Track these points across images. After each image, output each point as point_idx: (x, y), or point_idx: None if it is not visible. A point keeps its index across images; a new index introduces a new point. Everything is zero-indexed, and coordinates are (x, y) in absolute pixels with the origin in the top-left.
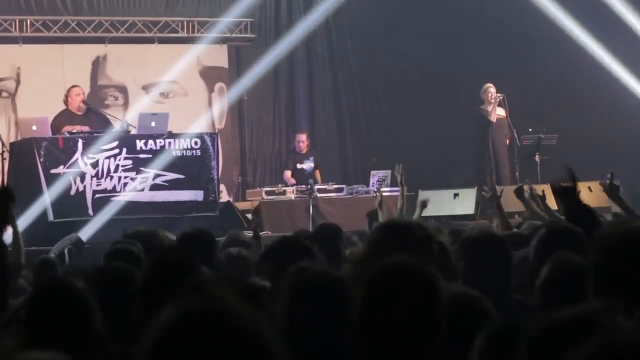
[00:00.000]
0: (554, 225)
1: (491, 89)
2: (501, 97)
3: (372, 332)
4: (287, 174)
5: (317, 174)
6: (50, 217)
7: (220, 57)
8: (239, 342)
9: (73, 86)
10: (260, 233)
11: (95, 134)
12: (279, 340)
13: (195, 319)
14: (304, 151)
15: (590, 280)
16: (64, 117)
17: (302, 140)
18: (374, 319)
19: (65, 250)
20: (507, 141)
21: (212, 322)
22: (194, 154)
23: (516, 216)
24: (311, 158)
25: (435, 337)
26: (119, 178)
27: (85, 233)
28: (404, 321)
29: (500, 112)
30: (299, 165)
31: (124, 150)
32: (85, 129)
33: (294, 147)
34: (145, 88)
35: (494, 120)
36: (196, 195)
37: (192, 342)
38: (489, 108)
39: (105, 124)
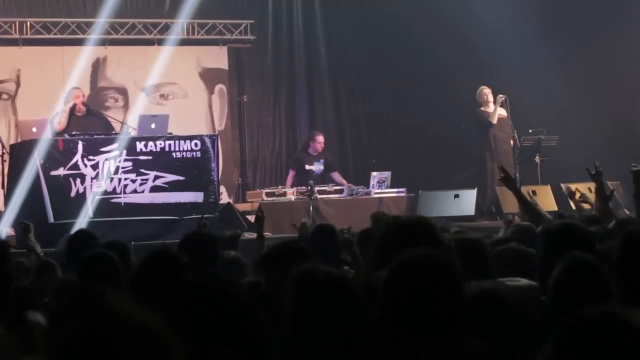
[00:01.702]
0: (564, 224)
1: (485, 90)
2: (503, 98)
3: (394, 320)
4: (291, 173)
5: (337, 176)
6: (50, 219)
7: (220, 59)
8: (136, 347)
9: (73, 88)
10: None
11: (95, 136)
12: (176, 345)
13: (90, 335)
14: (317, 153)
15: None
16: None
17: (321, 141)
18: (396, 307)
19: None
20: (511, 142)
21: (106, 337)
22: (194, 156)
23: (516, 217)
24: (321, 160)
25: (456, 327)
26: (119, 180)
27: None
28: (426, 309)
29: (502, 112)
30: (307, 166)
31: (124, 152)
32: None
33: (307, 148)
34: (145, 90)
35: (495, 122)
36: (196, 196)
37: (89, 355)
38: (489, 109)
39: (106, 125)
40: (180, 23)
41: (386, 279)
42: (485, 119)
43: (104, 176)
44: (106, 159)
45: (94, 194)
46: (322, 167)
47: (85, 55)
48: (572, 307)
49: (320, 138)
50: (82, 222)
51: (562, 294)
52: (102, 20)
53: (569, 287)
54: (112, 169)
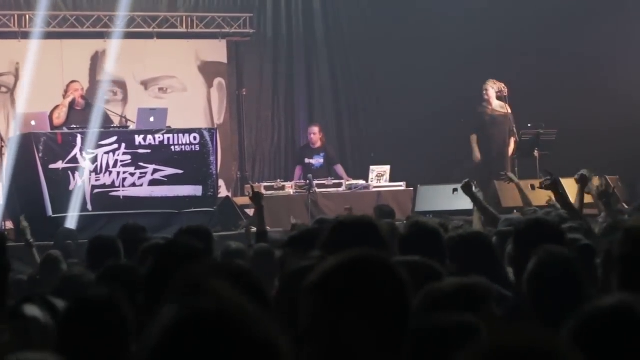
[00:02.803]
0: (533, 219)
1: (486, 85)
2: (503, 90)
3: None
4: (297, 169)
5: (339, 168)
6: (49, 212)
7: (219, 52)
8: (246, 342)
9: (72, 81)
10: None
11: (94, 130)
12: (284, 338)
13: (200, 320)
14: (317, 145)
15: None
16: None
17: (314, 133)
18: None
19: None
20: (511, 139)
21: (217, 323)
22: (193, 149)
23: (514, 211)
24: (322, 154)
25: (398, 332)
26: (118, 173)
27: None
28: (360, 314)
29: (502, 107)
30: (307, 160)
31: (123, 145)
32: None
33: (308, 142)
34: (144, 83)
35: (492, 113)
36: (195, 190)
37: (197, 345)
38: (490, 105)
39: (104, 119)
40: (179, 16)
41: (311, 287)
42: (477, 120)
43: (102, 170)
44: (105, 153)
45: (92, 187)
46: (322, 161)
47: (83, 48)
48: (547, 299)
49: (313, 129)
50: (80, 215)
51: (537, 287)
52: (101, 13)
53: (543, 280)
54: (111, 163)
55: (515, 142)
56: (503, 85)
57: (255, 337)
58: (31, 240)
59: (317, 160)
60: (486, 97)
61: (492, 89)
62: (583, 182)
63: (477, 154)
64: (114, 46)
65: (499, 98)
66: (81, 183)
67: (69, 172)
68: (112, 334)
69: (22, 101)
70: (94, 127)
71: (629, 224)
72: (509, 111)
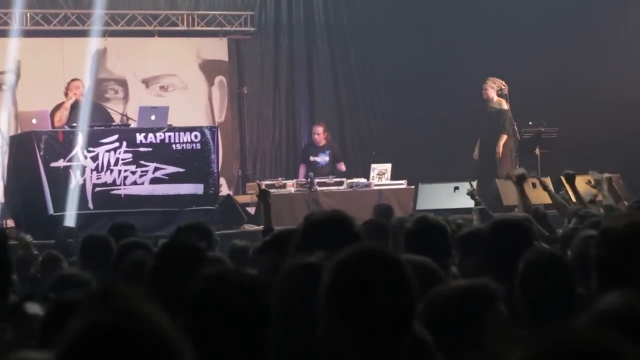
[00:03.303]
0: (497, 222)
1: (485, 84)
2: (504, 88)
3: (340, 321)
4: (302, 167)
5: (341, 166)
6: (50, 211)
7: (220, 51)
8: (146, 351)
9: (73, 79)
10: (260, 226)
11: (95, 128)
12: (188, 351)
13: (103, 332)
14: (322, 144)
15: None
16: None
17: (318, 133)
18: (340, 306)
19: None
20: (505, 136)
21: (120, 335)
22: (194, 148)
23: (515, 210)
24: (327, 152)
25: (406, 323)
26: (119, 171)
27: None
28: (372, 307)
29: (501, 104)
30: (312, 158)
31: (124, 143)
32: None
33: (312, 140)
34: (145, 81)
35: (492, 110)
36: (196, 188)
37: (98, 355)
38: (491, 104)
39: (106, 117)
40: (180, 14)
41: (327, 281)
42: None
43: (103, 168)
44: (106, 151)
45: (94, 185)
46: (327, 159)
47: (85, 46)
48: (539, 297)
49: (317, 129)
50: (81, 213)
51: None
52: (102, 11)
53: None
54: (112, 161)
55: (507, 140)
56: (503, 83)
57: (156, 346)
58: (36, 253)
59: (323, 158)
60: (485, 96)
61: (492, 87)
62: (570, 180)
63: (476, 151)
64: (115, 44)
65: (499, 95)
66: (82, 181)
67: (70, 171)
68: None
69: (23, 99)
70: (84, 118)
71: (605, 224)
72: (507, 107)
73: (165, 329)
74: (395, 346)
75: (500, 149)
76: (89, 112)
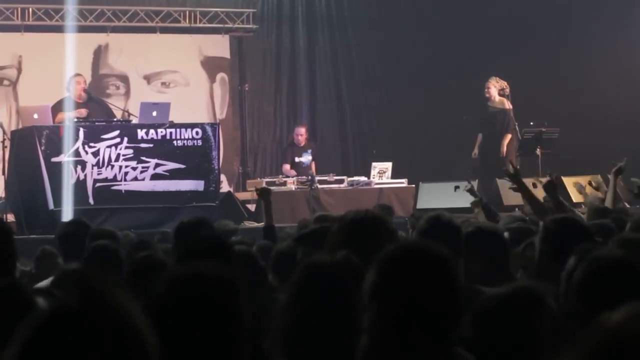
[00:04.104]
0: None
1: (488, 82)
2: (506, 88)
3: (386, 313)
4: (286, 167)
5: (313, 165)
6: (51, 206)
7: (222, 47)
8: (109, 341)
9: (75, 74)
10: (260, 224)
11: (96, 123)
12: (150, 331)
13: (65, 317)
14: (302, 144)
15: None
16: (63, 107)
17: (301, 134)
18: (380, 305)
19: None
20: (506, 133)
21: (83, 320)
22: (195, 144)
23: (516, 209)
24: (309, 151)
25: (452, 319)
26: (120, 167)
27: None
28: (418, 302)
29: (503, 104)
30: (297, 159)
31: (125, 139)
32: (83, 112)
33: (292, 140)
34: (147, 78)
35: (494, 110)
36: (197, 185)
37: (60, 342)
38: (492, 104)
39: (107, 112)
40: (182, 11)
41: (375, 275)
42: (481, 118)
43: (104, 163)
44: (107, 146)
45: (94, 181)
46: (310, 158)
47: (86, 42)
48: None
49: (300, 130)
50: (82, 209)
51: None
52: (104, 7)
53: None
54: (113, 157)
55: (510, 139)
56: (505, 84)
57: (119, 329)
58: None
59: (306, 158)
60: (487, 94)
61: (494, 87)
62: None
63: (475, 151)
64: (117, 40)
65: (501, 95)
66: (83, 177)
67: (71, 166)
68: None
69: (25, 94)
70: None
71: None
72: (510, 107)
73: (130, 315)
74: (435, 349)
75: (505, 148)
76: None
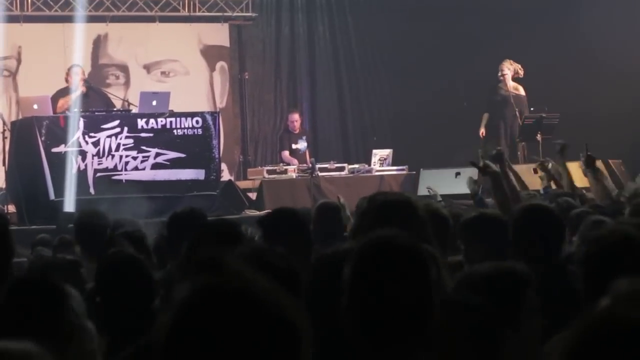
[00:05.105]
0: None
1: (501, 65)
2: (519, 72)
3: (362, 308)
4: (286, 154)
5: (308, 152)
6: (51, 196)
7: (221, 36)
8: (262, 319)
9: (73, 65)
10: (262, 212)
11: (96, 113)
12: (304, 317)
13: (216, 295)
14: (297, 131)
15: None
16: (64, 94)
17: (296, 120)
18: (362, 294)
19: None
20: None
21: (233, 299)
22: (195, 133)
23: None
24: (304, 137)
25: (428, 314)
26: (120, 157)
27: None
28: (392, 296)
29: (516, 88)
30: (294, 146)
31: (125, 129)
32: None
33: (287, 127)
34: (147, 67)
35: (506, 93)
36: (197, 174)
37: (213, 320)
38: (505, 86)
39: (107, 102)
40: (182, 0)
41: (350, 268)
42: (490, 99)
43: (105, 153)
44: (107, 136)
45: (95, 171)
46: (305, 144)
47: (85, 32)
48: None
49: (294, 117)
50: (82, 199)
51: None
52: None
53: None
54: (114, 146)
55: (519, 125)
56: (519, 66)
57: (273, 314)
58: None
59: (302, 145)
60: (501, 77)
61: (508, 69)
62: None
63: (482, 130)
64: (116, 30)
65: (514, 79)
66: (83, 167)
67: (72, 156)
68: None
69: (24, 85)
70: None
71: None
72: (523, 93)
73: (279, 296)
74: (410, 339)
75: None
76: (89, 97)
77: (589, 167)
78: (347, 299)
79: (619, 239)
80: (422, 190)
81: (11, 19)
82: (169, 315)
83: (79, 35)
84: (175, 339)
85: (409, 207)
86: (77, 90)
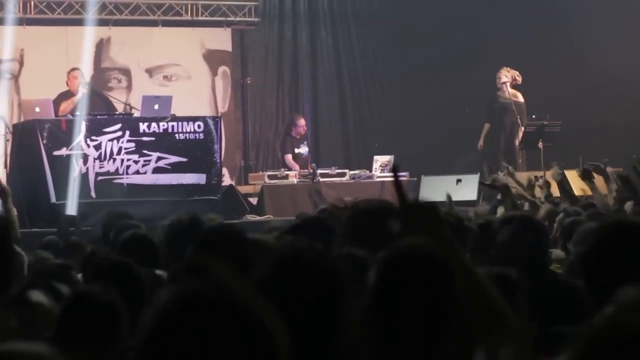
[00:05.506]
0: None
1: (499, 73)
2: (517, 79)
3: (383, 316)
4: (289, 157)
5: (308, 157)
6: (53, 199)
7: (223, 41)
8: (239, 328)
9: (73, 69)
10: (262, 217)
11: (98, 116)
12: (281, 327)
13: (192, 303)
14: (300, 136)
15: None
16: (66, 97)
17: (303, 124)
18: (385, 303)
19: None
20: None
21: (210, 307)
22: (197, 137)
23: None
24: (305, 142)
25: (449, 324)
26: (122, 161)
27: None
28: (415, 308)
29: (515, 95)
30: (296, 150)
31: (127, 132)
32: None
33: (289, 131)
34: (149, 71)
35: (505, 101)
36: (199, 178)
37: (188, 327)
38: (503, 94)
39: (108, 106)
40: (184, 4)
41: (375, 275)
42: (489, 108)
43: (106, 157)
44: (109, 140)
45: (96, 174)
46: (307, 149)
47: (88, 35)
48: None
49: (302, 122)
50: (84, 202)
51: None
52: (106, 0)
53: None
54: (115, 150)
55: (523, 133)
56: (517, 73)
57: (250, 324)
58: None
59: (304, 149)
60: (499, 84)
61: (506, 77)
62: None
63: (481, 142)
64: (118, 33)
65: (513, 86)
66: (85, 170)
67: (73, 159)
68: (105, 327)
69: (26, 88)
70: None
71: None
72: (522, 100)
73: (258, 304)
74: (428, 348)
75: (518, 141)
76: (91, 101)
77: (586, 180)
78: (370, 306)
79: (614, 226)
80: (424, 197)
81: (14, 22)
82: (147, 321)
83: (81, 39)
84: (151, 345)
85: (390, 215)
86: (79, 93)
